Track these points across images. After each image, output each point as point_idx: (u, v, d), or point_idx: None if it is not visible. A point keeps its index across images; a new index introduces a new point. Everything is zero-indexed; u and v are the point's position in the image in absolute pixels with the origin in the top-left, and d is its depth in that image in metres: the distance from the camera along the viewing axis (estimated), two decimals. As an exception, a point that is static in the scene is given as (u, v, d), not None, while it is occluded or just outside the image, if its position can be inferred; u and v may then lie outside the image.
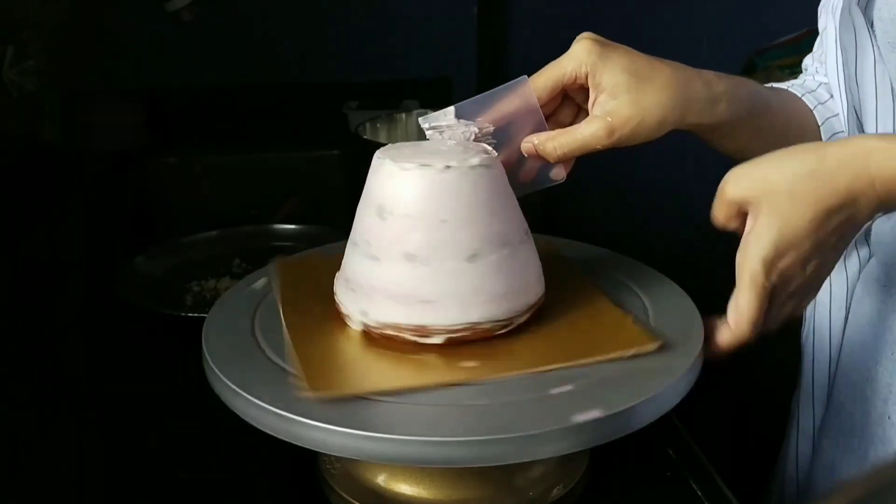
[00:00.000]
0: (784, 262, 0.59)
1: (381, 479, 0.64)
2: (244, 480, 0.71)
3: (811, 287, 0.63)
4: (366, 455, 0.53)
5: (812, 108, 0.80)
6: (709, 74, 0.68)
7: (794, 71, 0.88)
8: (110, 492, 0.70)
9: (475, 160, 0.61)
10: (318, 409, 0.54)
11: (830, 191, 0.57)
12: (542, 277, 0.66)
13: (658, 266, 0.75)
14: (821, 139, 0.80)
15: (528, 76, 0.66)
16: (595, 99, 0.65)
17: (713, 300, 0.65)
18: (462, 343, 0.61)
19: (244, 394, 0.56)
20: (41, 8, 1.31)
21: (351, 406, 0.55)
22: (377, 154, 0.63)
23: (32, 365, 0.90)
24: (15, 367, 0.88)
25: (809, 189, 0.57)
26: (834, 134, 0.80)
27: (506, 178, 0.64)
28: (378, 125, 1.23)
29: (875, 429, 0.73)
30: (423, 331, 0.60)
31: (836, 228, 0.59)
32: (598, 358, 0.60)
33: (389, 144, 0.65)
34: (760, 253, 0.58)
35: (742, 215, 0.60)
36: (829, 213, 0.58)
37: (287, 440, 0.55)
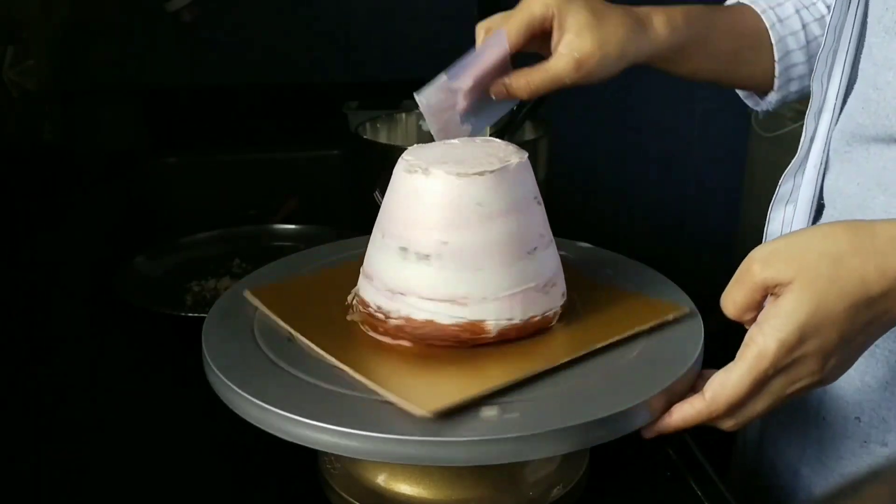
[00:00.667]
0: (802, 350, 0.52)
1: (381, 479, 0.64)
2: (244, 480, 0.71)
3: (817, 385, 0.55)
4: (366, 455, 0.53)
5: (769, 26, 0.80)
6: (647, 9, 0.74)
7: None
8: (110, 492, 0.70)
9: (507, 161, 0.61)
10: (318, 409, 0.54)
11: (878, 273, 0.50)
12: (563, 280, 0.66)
13: (658, 266, 0.75)
14: (773, 57, 0.81)
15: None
16: (560, 39, 0.72)
17: (712, 301, 0.64)
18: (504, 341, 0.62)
19: (244, 393, 0.56)
20: (41, 8, 1.31)
21: (351, 406, 0.55)
22: (405, 157, 0.63)
23: (32, 365, 0.90)
24: (15, 367, 0.88)
25: (854, 269, 0.50)
26: (787, 52, 0.80)
27: (533, 176, 0.64)
28: (378, 125, 1.22)
29: (809, 408, 0.73)
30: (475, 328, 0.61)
31: (870, 323, 0.52)
32: (634, 331, 0.63)
33: (417, 146, 0.65)
34: (780, 334, 0.51)
35: (762, 302, 0.54)
36: (871, 302, 0.51)
37: (287, 439, 0.55)
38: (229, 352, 0.62)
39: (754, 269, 0.53)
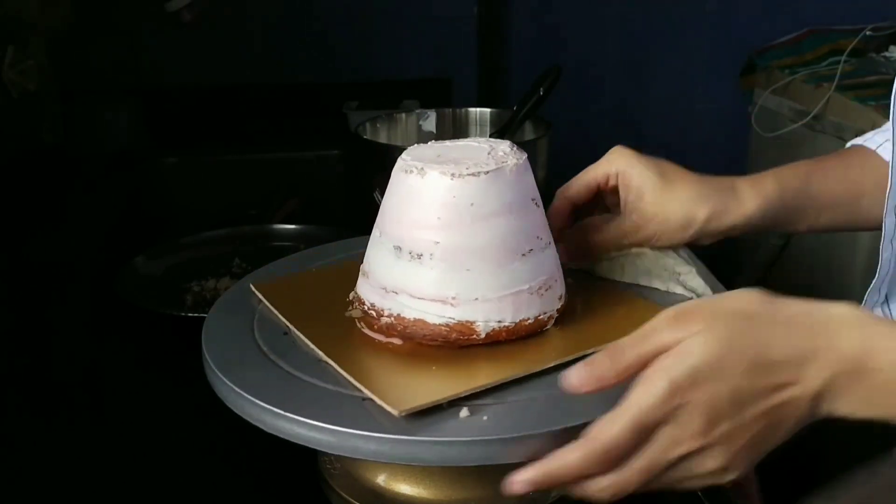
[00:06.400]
0: (690, 397, 0.48)
1: (381, 479, 0.64)
2: (244, 480, 0.71)
3: (705, 463, 0.50)
4: (366, 455, 0.53)
5: (888, 159, 0.75)
6: (732, 179, 0.71)
7: (795, 71, 0.88)
8: (110, 492, 0.70)
9: (504, 162, 0.61)
10: (318, 409, 0.54)
11: (783, 340, 0.49)
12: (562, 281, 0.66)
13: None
14: None
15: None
16: (625, 199, 0.70)
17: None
18: (494, 343, 0.61)
19: (244, 393, 0.56)
20: (42, 8, 1.31)
21: (351, 406, 0.55)
22: (403, 157, 0.63)
23: (33, 365, 0.90)
24: (15, 367, 0.88)
25: (762, 329, 0.49)
26: None
27: (531, 178, 0.64)
28: (378, 125, 1.22)
29: None
30: (466, 330, 0.60)
31: (765, 393, 0.49)
32: None
33: (413, 147, 0.65)
34: (672, 373, 0.48)
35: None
36: (770, 365, 0.49)
37: (287, 439, 0.55)
38: (229, 352, 0.62)
39: (659, 326, 0.50)
